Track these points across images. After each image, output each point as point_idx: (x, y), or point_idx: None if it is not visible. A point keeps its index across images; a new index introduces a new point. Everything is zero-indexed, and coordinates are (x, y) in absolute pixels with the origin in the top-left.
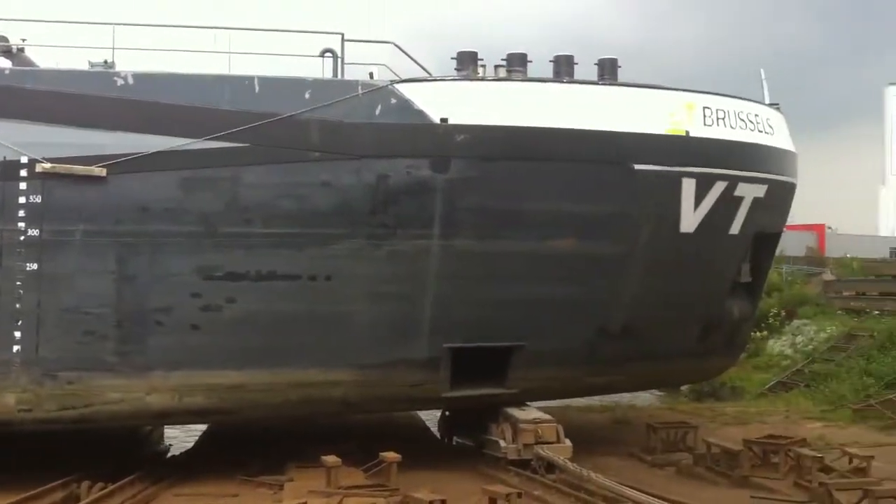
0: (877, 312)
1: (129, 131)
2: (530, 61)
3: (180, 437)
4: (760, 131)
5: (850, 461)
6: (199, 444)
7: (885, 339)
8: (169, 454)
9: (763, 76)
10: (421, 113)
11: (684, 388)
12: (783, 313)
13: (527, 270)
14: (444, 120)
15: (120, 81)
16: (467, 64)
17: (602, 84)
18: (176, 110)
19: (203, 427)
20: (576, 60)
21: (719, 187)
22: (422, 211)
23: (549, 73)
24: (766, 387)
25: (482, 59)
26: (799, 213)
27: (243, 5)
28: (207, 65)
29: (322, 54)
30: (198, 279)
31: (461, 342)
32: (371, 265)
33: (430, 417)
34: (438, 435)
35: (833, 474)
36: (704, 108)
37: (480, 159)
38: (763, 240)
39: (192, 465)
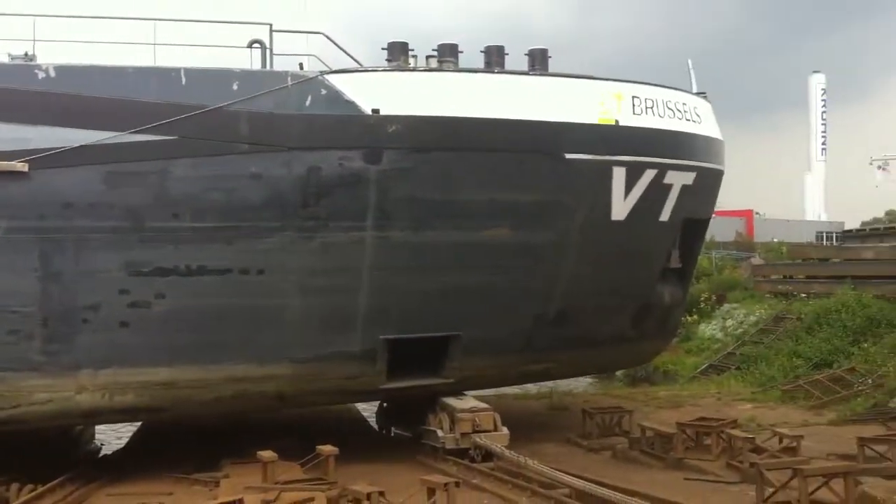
0: (804, 295)
1: (51, 125)
2: (461, 52)
3: (112, 437)
4: (688, 120)
5: (781, 441)
6: (131, 442)
7: (812, 321)
8: (101, 454)
9: (690, 65)
10: (352, 104)
11: (619, 373)
12: (713, 298)
13: (461, 260)
14: (375, 111)
15: (41, 74)
16: (398, 55)
17: (533, 74)
18: (100, 103)
19: (136, 425)
20: (507, 51)
21: (649, 175)
22: (355, 202)
23: (481, 64)
24: (698, 370)
25: (413, 50)
26: (728, 199)
27: None
28: (131, 57)
29: (250, 45)
30: (125, 275)
31: (397, 333)
32: (304, 258)
33: (369, 409)
34: (377, 427)
35: (764, 455)
36: (633, 97)
37: (413, 150)
38: (692, 226)
39: (125, 465)
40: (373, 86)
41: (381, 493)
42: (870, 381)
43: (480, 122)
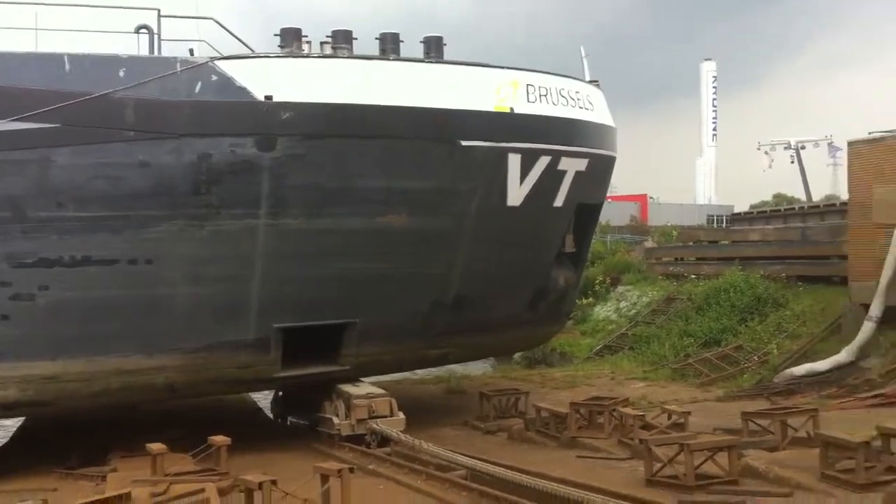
0: (694, 276)
1: None
2: (356, 38)
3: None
4: (581, 107)
5: (669, 418)
6: (14, 438)
7: (702, 301)
8: None
9: (584, 53)
10: (243, 90)
11: (516, 355)
12: (608, 280)
13: (357, 247)
14: (268, 97)
15: None
16: (291, 40)
17: (428, 62)
18: None
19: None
20: (402, 38)
21: (543, 162)
22: (247, 190)
23: (376, 51)
24: (593, 351)
25: (307, 36)
26: (623, 184)
27: None
28: (12, 42)
29: (137, 31)
30: (7, 267)
31: (291, 322)
32: (194, 247)
33: (265, 399)
34: (272, 416)
35: (653, 431)
36: (528, 85)
37: (307, 137)
38: (586, 211)
39: (8, 460)
40: (265, 72)
41: (274, 482)
42: (756, 357)
43: (375, 109)
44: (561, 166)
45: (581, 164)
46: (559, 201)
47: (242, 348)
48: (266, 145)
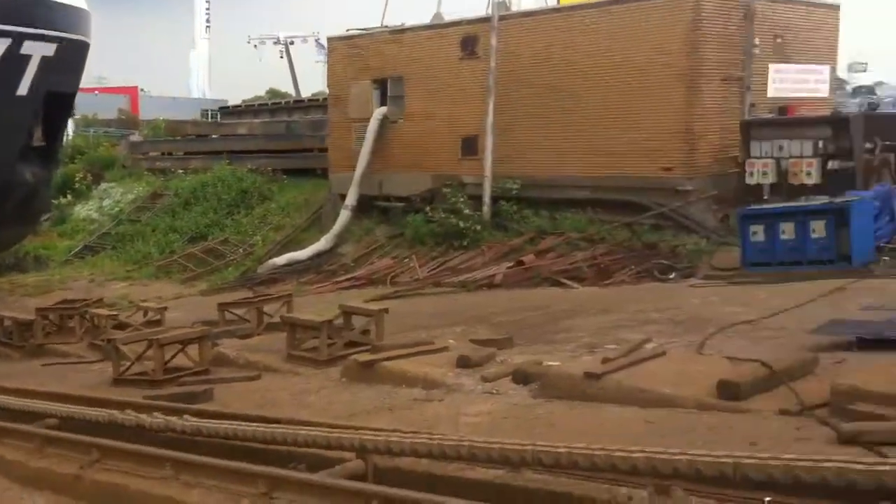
0: (182, 171)
1: None
2: None
3: None
4: None
5: (146, 315)
6: None
7: (189, 196)
8: None
9: None
10: None
11: None
12: (89, 177)
13: None
14: None
15: None
16: None
17: None
18: None
19: None
20: None
21: (3, 44)
22: None
23: None
24: (73, 253)
25: None
26: (115, 76)
27: None
28: None
29: None
30: None
31: None
32: None
33: None
34: None
35: (128, 330)
36: None
37: None
38: (56, 101)
39: None
40: None
41: None
42: (241, 250)
43: None
44: (24, 50)
45: (48, 49)
46: (23, 89)
47: None
48: None
